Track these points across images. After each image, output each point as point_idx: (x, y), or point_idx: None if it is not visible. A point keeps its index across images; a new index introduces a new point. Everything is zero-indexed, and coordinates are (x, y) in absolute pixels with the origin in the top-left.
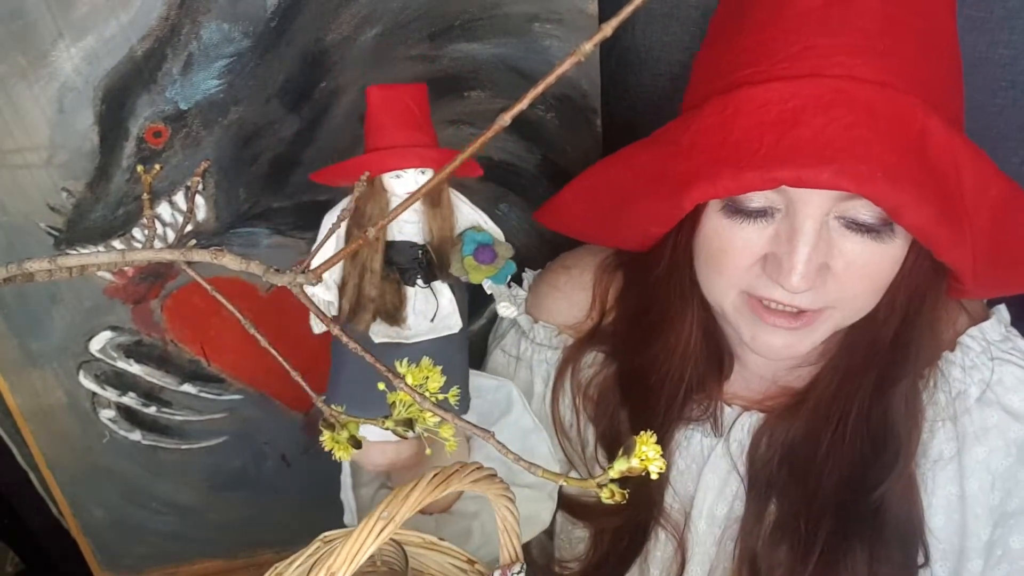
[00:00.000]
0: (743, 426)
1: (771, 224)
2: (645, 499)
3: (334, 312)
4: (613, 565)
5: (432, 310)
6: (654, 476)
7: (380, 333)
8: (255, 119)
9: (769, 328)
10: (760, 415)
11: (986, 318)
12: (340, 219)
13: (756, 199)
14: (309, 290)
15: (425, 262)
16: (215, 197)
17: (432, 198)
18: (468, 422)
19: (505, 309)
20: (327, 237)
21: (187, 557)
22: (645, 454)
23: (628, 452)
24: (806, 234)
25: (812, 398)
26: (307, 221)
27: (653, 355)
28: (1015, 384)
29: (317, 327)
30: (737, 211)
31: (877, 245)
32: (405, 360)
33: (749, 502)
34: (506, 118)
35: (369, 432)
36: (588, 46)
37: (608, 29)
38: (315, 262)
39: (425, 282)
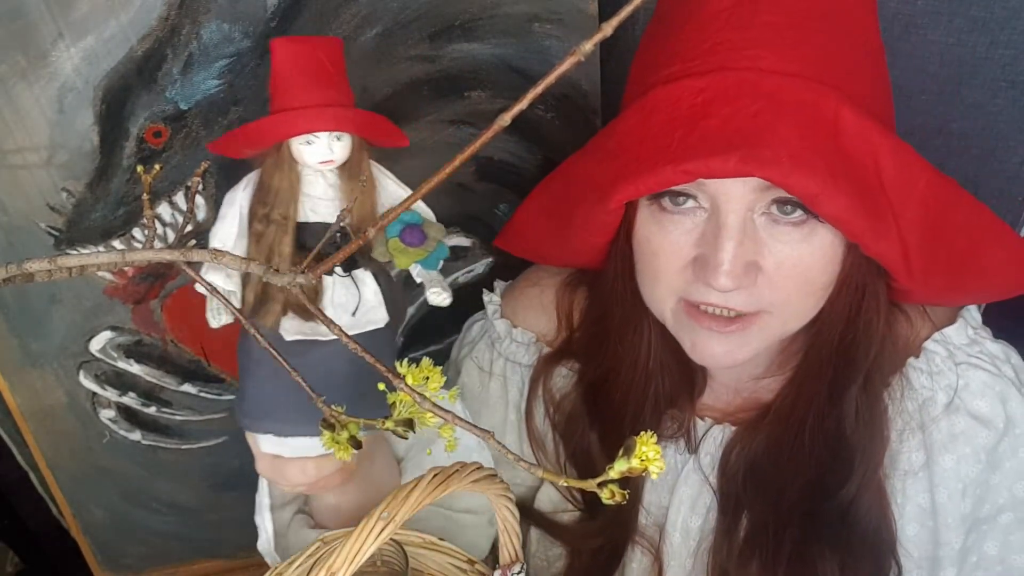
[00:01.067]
0: (714, 439)
1: (698, 226)
2: (621, 516)
3: (236, 304)
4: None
5: (353, 302)
6: (654, 476)
7: (292, 329)
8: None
9: (705, 333)
10: (731, 428)
11: (952, 323)
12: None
13: (679, 197)
14: (208, 279)
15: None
16: (215, 197)
17: (351, 170)
18: (468, 422)
19: (436, 296)
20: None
21: (187, 557)
22: (645, 454)
23: (628, 452)
24: (729, 228)
25: (774, 410)
26: None
27: (616, 370)
28: (981, 389)
29: (215, 320)
30: (663, 211)
31: (805, 242)
32: (405, 361)
33: (719, 517)
34: (506, 118)
35: (285, 447)
36: (588, 46)
37: (608, 29)
38: (212, 245)
39: (345, 270)
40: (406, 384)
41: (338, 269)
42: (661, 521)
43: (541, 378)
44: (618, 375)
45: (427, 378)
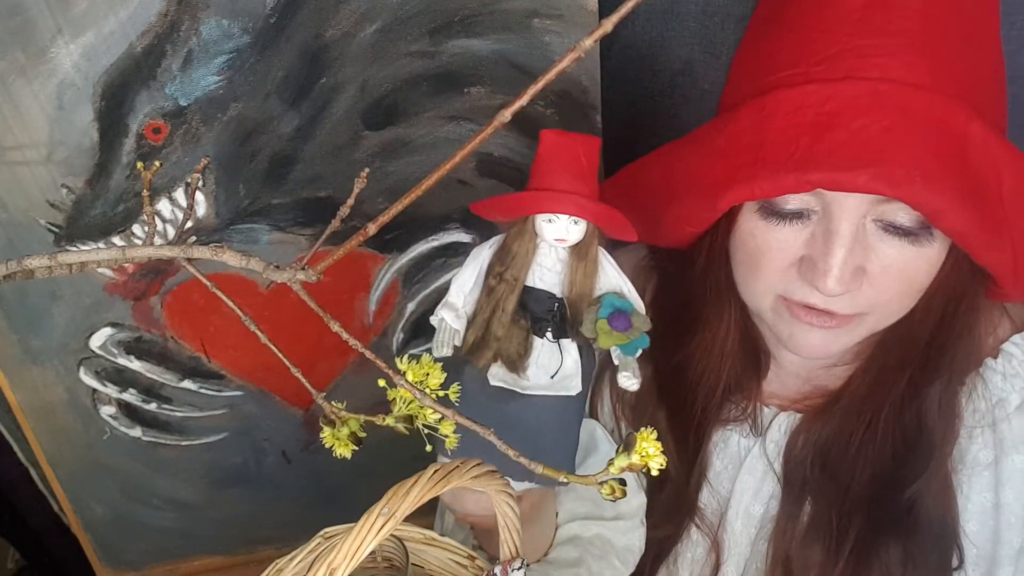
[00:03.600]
0: (780, 426)
1: (807, 226)
2: (682, 499)
3: (458, 342)
4: (644, 564)
5: (555, 366)
6: (654, 472)
7: (498, 376)
8: (255, 115)
9: (805, 326)
10: (797, 415)
11: None
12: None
13: (792, 201)
14: (441, 314)
15: (558, 316)
16: (215, 193)
17: (580, 251)
18: (468, 418)
19: (627, 379)
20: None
21: (187, 553)
22: (645, 450)
23: (629, 448)
24: (842, 236)
25: (845, 397)
26: (307, 217)
27: (690, 355)
28: None
29: (437, 351)
30: (773, 213)
31: (915, 249)
32: (405, 357)
33: (784, 502)
34: (506, 114)
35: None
36: (588, 42)
37: (608, 25)
38: (452, 292)
39: (555, 336)
40: (406, 380)
41: (548, 335)
42: (723, 506)
43: (606, 372)
44: (692, 361)
45: (427, 374)
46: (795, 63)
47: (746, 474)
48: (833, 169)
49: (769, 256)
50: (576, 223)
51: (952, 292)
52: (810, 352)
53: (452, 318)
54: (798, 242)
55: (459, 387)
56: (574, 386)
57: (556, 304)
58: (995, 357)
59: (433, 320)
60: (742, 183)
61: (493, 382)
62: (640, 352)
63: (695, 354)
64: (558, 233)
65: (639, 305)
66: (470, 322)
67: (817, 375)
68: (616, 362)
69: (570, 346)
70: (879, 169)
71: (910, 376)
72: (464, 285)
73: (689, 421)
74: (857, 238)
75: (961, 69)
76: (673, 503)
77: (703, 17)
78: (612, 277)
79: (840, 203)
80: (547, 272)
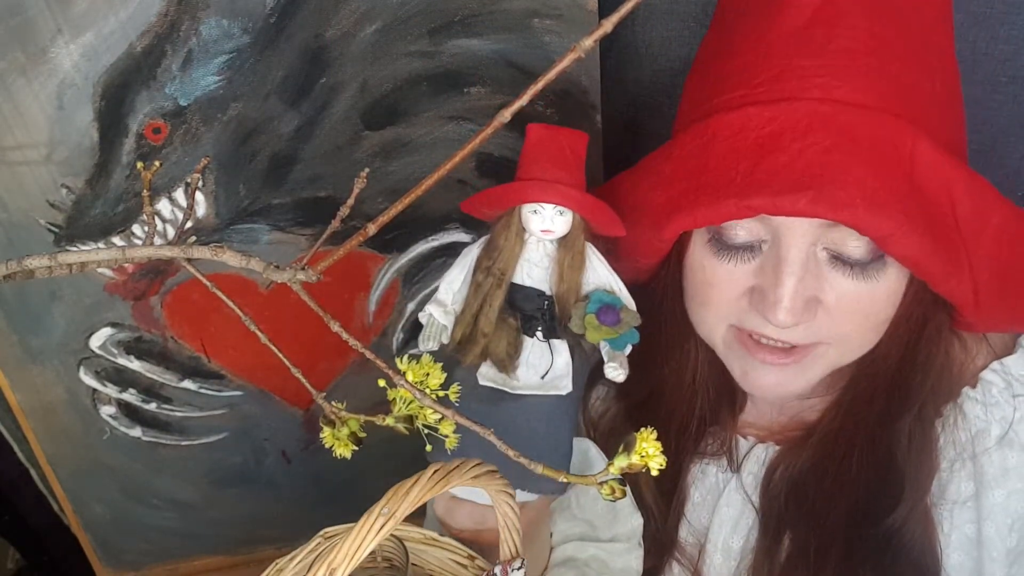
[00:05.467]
0: (757, 458)
1: (757, 257)
2: (661, 533)
3: (445, 339)
4: None
5: (545, 367)
6: (654, 472)
7: (487, 376)
8: (255, 115)
9: (759, 364)
10: (775, 447)
11: (1011, 352)
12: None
13: (741, 234)
14: (429, 309)
15: (548, 315)
16: (215, 193)
17: (567, 245)
18: (468, 419)
19: (613, 371)
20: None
21: (188, 553)
22: (645, 450)
23: (628, 449)
24: (791, 264)
25: (819, 431)
26: (307, 217)
27: (659, 389)
28: None
29: (424, 345)
30: (723, 247)
31: (868, 282)
32: (405, 357)
33: (760, 537)
34: (505, 115)
35: (461, 488)
36: (588, 42)
37: (608, 25)
38: (441, 289)
39: (545, 336)
40: (406, 380)
41: (539, 334)
42: (701, 540)
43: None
44: (662, 394)
45: (427, 374)
46: (736, 86)
47: (724, 507)
48: (773, 193)
49: (719, 287)
50: (562, 213)
51: (915, 323)
52: (767, 392)
53: (440, 313)
54: (747, 272)
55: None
56: (564, 386)
57: (546, 302)
58: (973, 386)
59: (421, 316)
60: (684, 211)
61: (482, 382)
62: (629, 348)
63: (664, 388)
64: (544, 224)
65: (629, 301)
66: (458, 318)
67: (792, 407)
68: (605, 356)
69: (561, 346)
70: (819, 192)
71: (879, 409)
72: (453, 283)
73: (666, 455)
74: (807, 267)
75: (909, 88)
76: (653, 537)
77: (703, 17)
78: (602, 274)
79: (789, 229)
80: (535, 268)
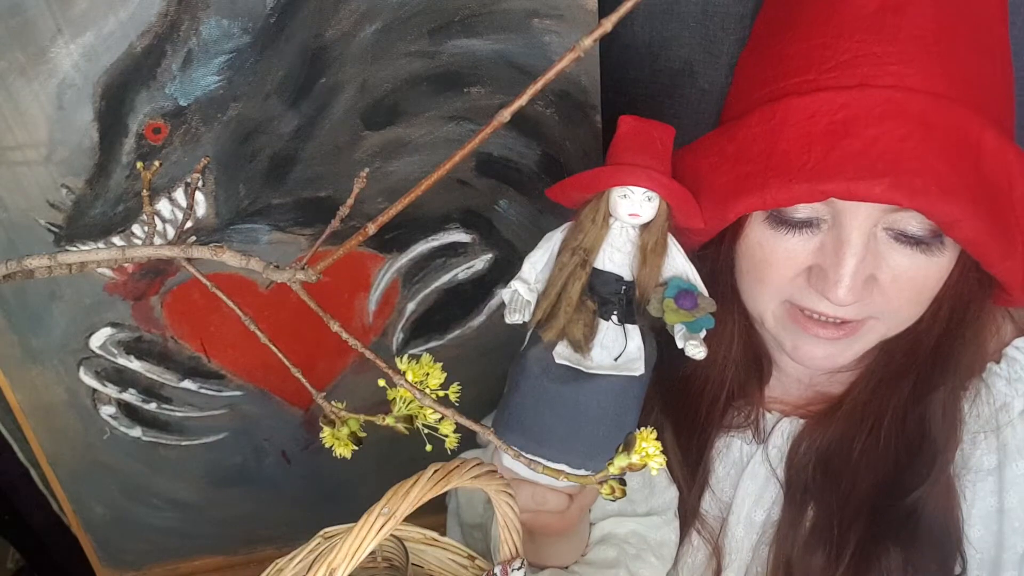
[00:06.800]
0: (782, 432)
1: (816, 235)
2: (684, 505)
3: (527, 318)
4: None
5: (619, 349)
6: (654, 472)
7: (563, 355)
8: (255, 115)
9: (811, 338)
10: (799, 421)
11: None
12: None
13: (802, 210)
14: (515, 285)
15: (625, 300)
16: (215, 193)
17: (650, 232)
18: (468, 419)
19: (693, 348)
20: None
21: (188, 553)
22: (645, 450)
23: (628, 448)
24: (853, 246)
25: (848, 403)
26: (307, 217)
27: (695, 365)
28: None
29: (509, 318)
30: (782, 222)
31: (925, 258)
32: (405, 357)
33: (786, 508)
34: (505, 115)
35: (523, 467)
36: (588, 42)
37: (608, 25)
38: (525, 268)
39: (620, 320)
40: (406, 380)
41: (614, 318)
42: (724, 512)
43: None
44: (696, 370)
45: (427, 374)
46: (806, 69)
47: (748, 480)
48: (848, 179)
49: (777, 265)
50: (650, 199)
51: (959, 300)
52: (816, 365)
53: (525, 290)
54: (806, 251)
55: (522, 367)
56: (638, 367)
57: (624, 287)
58: (998, 361)
59: (504, 294)
60: (753, 192)
61: (558, 360)
62: (704, 332)
63: (698, 364)
64: (632, 208)
65: (703, 288)
66: (541, 296)
67: (819, 381)
68: (679, 337)
69: (634, 331)
70: (896, 179)
71: (914, 383)
72: (537, 263)
73: (693, 428)
74: (868, 247)
75: (973, 76)
76: (677, 508)
77: (703, 17)
78: (679, 263)
79: (852, 212)
80: (617, 253)
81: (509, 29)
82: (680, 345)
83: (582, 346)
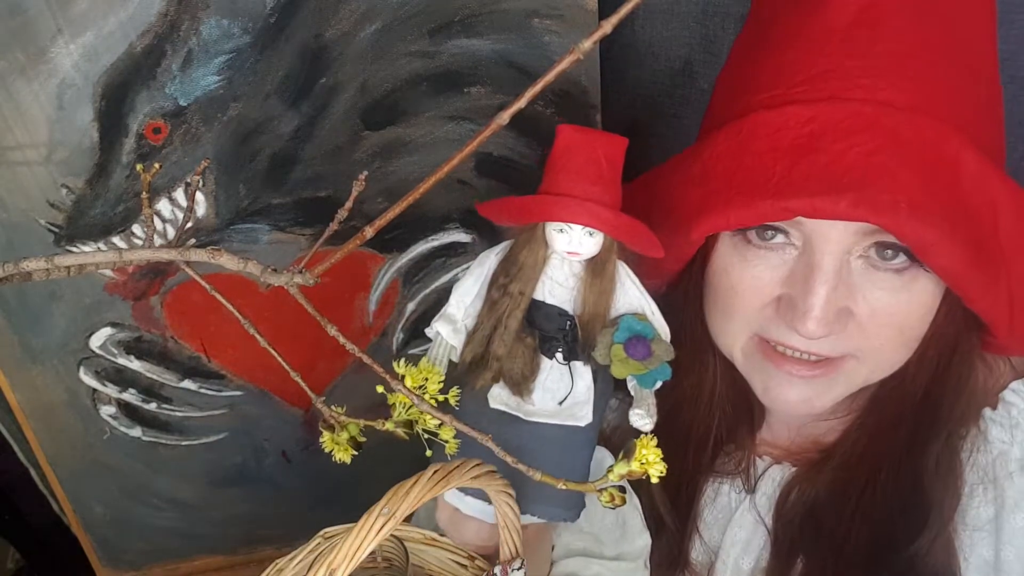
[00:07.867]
0: (772, 478)
1: (786, 262)
2: (672, 550)
3: (455, 358)
4: None
5: (563, 392)
6: (654, 480)
7: (498, 399)
8: (255, 115)
9: (783, 377)
10: (790, 468)
11: None
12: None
13: (769, 232)
14: (437, 327)
15: (571, 336)
16: (215, 193)
17: (596, 266)
18: (465, 425)
19: (639, 419)
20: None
21: (188, 553)
22: (645, 457)
23: (628, 455)
24: (824, 272)
25: (839, 454)
26: (307, 217)
27: (678, 404)
28: None
29: (438, 364)
30: (749, 244)
31: (907, 293)
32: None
33: (773, 559)
34: (504, 116)
35: (464, 503)
36: (587, 44)
37: (608, 26)
38: (452, 302)
39: (565, 359)
40: (404, 386)
41: (558, 356)
42: (713, 558)
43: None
44: (680, 410)
45: (426, 379)
46: (774, 84)
47: (736, 527)
48: (811, 195)
49: (743, 294)
50: (591, 235)
51: (946, 344)
52: (791, 409)
53: (449, 332)
54: (775, 279)
55: (458, 402)
56: (583, 415)
57: (568, 323)
58: (994, 407)
59: (429, 332)
60: (716, 211)
61: (493, 404)
62: (659, 384)
63: (681, 403)
64: (570, 245)
65: (663, 330)
66: (469, 337)
67: (809, 428)
68: (632, 392)
69: (584, 370)
70: (861, 194)
71: (906, 434)
72: (465, 295)
73: (681, 471)
74: (841, 276)
75: (955, 92)
76: (665, 554)
77: (703, 17)
78: (633, 296)
79: (823, 235)
80: (557, 287)
81: (509, 29)
82: (630, 411)
83: (521, 388)
